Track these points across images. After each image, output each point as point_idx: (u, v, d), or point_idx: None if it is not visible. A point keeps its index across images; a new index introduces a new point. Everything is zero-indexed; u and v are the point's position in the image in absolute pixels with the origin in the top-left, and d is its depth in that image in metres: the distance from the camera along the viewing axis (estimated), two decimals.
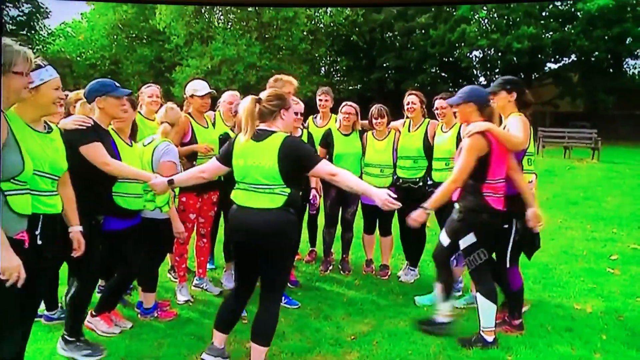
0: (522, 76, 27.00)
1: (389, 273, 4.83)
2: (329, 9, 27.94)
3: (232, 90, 4.77)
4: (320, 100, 5.11)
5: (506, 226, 3.46)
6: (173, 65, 24.84)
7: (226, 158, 2.87)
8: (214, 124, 4.31)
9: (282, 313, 3.15)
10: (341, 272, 4.86)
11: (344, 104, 4.78)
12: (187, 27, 24.31)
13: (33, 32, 30.16)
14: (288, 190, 2.70)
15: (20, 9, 29.67)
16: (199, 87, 4.15)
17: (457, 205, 3.37)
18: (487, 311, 3.33)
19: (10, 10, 29.31)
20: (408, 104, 4.54)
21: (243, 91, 24.17)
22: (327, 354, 3.26)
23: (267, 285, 2.84)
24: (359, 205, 4.81)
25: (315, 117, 5.25)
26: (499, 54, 25.55)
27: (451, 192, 3.31)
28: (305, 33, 26.37)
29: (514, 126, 3.35)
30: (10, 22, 29.55)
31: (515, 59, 23.78)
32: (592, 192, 9.72)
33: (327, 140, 4.73)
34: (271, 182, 2.69)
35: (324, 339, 3.48)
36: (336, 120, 4.91)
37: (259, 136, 2.76)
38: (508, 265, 3.54)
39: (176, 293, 4.12)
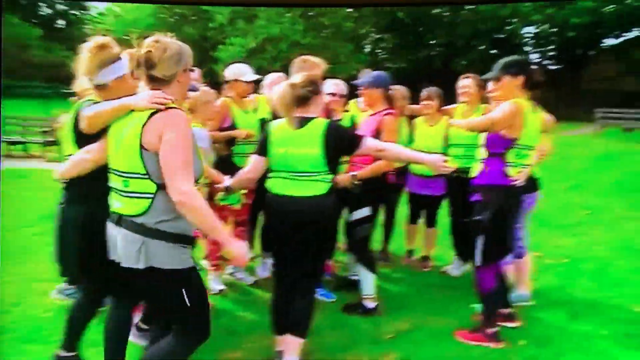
0: (581, 53, 25.62)
1: (431, 265, 4.58)
2: None
3: (275, 73, 4.55)
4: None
5: (479, 218, 3.09)
6: (217, 44, 24.89)
7: (264, 149, 2.75)
8: (255, 109, 4.09)
9: (317, 307, 2.96)
10: (380, 262, 4.62)
11: (390, 87, 4.44)
12: (231, 6, 24.22)
13: (83, 11, 30.95)
14: (331, 176, 2.67)
15: None
16: (244, 72, 3.94)
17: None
18: (366, 280, 3.56)
19: None
20: (462, 88, 4.14)
21: (287, 70, 24.28)
22: (364, 354, 3.06)
23: (307, 273, 2.77)
24: (401, 194, 4.55)
25: (359, 100, 4.94)
26: (555, 29, 24.16)
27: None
28: (349, 10, 25.80)
29: (496, 111, 3.05)
30: (62, 1, 30.35)
31: (573, 34, 22.36)
32: None
33: None
34: (315, 169, 2.63)
35: (360, 336, 3.28)
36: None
37: (298, 123, 2.67)
38: (478, 263, 3.15)
39: (209, 282, 4.00)
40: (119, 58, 2.25)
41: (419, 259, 4.66)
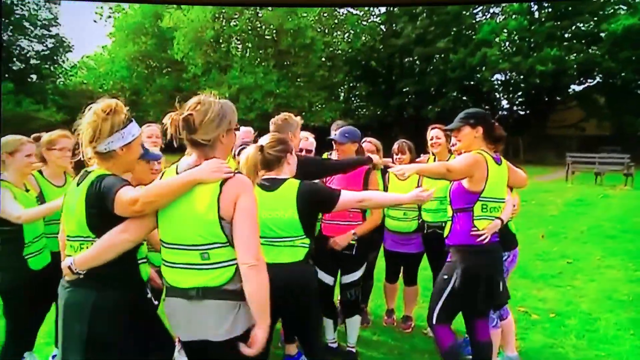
0: (546, 99, 26.47)
1: (412, 325, 4.33)
2: (345, 35, 27.96)
3: (243, 127, 4.40)
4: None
5: (445, 277, 2.96)
6: (191, 95, 24.75)
7: None
8: None
9: None
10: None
11: (363, 140, 4.29)
12: (205, 57, 24.49)
13: (56, 65, 30.85)
14: (308, 241, 2.58)
15: (44, 44, 30.42)
16: None
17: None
18: (356, 326, 3.72)
19: (35, 45, 30.07)
20: (432, 138, 4.02)
21: (260, 119, 24.36)
22: None
23: (305, 345, 2.71)
24: (381, 250, 4.34)
25: (331, 154, 4.79)
26: (522, 77, 25.01)
27: None
28: (322, 60, 26.34)
29: (456, 160, 2.97)
30: (35, 56, 30.27)
31: (538, 81, 23.15)
32: (629, 223, 9.02)
33: None
34: (290, 234, 2.53)
35: None
36: None
37: (269, 186, 2.58)
38: (433, 322, 2.99)
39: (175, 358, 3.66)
40: (130, 121, 2.06)
41: (400, 319, 4.41)
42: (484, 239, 2.88)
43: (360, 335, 4.16)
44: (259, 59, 25.69)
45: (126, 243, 1.97)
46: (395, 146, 4.18)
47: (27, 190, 3.06)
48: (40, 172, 3.25)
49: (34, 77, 30.12)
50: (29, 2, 28.93)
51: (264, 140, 2.63)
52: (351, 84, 30.50)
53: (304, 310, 2.61)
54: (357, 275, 3.51)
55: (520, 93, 27.81)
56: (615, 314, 4.60)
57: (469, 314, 3.03)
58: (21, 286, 2.95)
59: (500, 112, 29.97)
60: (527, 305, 4.78)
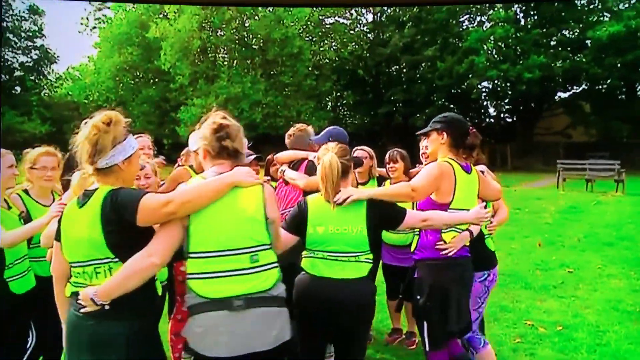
0: (533, 106, 26.63)
1: (417, 341, 4.12)
2: (333, 44, 27.97)
3: None
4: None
5: (418, 297, 2.78)
6: (178, 105, 24.70)
7: (297, 226, 2.45)
8: None
9: None
10: None
11: (355, 148, 4.10)
12: (192, 67, 24.30)
13: (41, 77, 30.49)
14: (371, 256, 2.45)
15: (29, 56, 30.08)
16: None
17: None
18: None
19: (19, 57, 29.72)
20: (424, 148, 3.84)
21: (248, 129, 24.17)
22: None
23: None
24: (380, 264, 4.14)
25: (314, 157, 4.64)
26: (509, 84, 25.14)
27: None
28: (310, 69, 26.29)
29: (421, 172, 2.75)
30: (19, 68, 29.89)
31: (525, 88, 23.27)
32: (625, 230, 8.96)
33: None
34: (357, 249, 2.40)
35: None
36: None
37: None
38: (427, 349, 2.76)
39: None
40: (129, 133, 1.97)
41: (404, 335, 4.22)
42: (450, 253, 2.70)
43: None
44: (246, 69, 25.54)
45: (153, 268, 1.84)
46: (388, 155, 3.99)
47: (9, 208, 2.84)
48: (25, 191, 3.04)
49: (18, 89, 29.74)
50: (13, 15, 28.63)
51: (331, 149, 2.48)
52: (339, 93, 30.48)
53: (362, 328, 2.51)
54: None
55: (507, 100, 27.95)
56: (624, 326, 4.46)
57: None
58: (2, 310, 2.70)
59: (487, 120, 30.16)
60: (533, 318, 4.63)
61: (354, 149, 4.08)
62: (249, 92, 23.61)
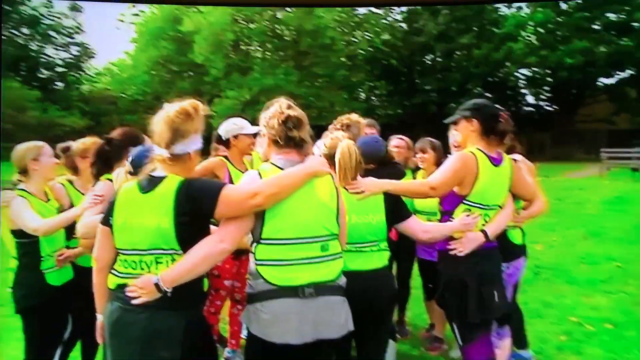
0: (575, 92, 25.70)
1: (442, 348, 3.86)
2: (366, 34, 27.64)
3: None
4: (366, 134, 4.34)
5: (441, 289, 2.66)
6: (212, 98, 24.92)
7: None
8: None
9: None
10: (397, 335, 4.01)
11: (392, 137, 3.97)
12: (225, 59, 24.43)
13: (81, 72, 31.37)
14: (386, 243, 2.43)
15: (69, 52, 30.99)
16: (245, 124, 3.45)
17: None
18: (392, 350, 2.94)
19: (60, 53, 30.67)
20: (453, 137, 3.46)
21: None
22: None
23: (375, 354, 2.46)
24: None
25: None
26: (549, 71, 24.31)
27: None
28: (343, 59, 26.06)
29: (443, 165, 2.60)
30: (61, 64, 30.81)
31: (566, 75, 22.44)
32: None
33: None
34: (377, 237, 2.38)
35: None
36: None
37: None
38: (460, 343, 2.62)
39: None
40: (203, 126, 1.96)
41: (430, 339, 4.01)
42: (460, 253, 2.55)
43: (398, 349, 3.87)
44: (279, 60, 25.53)
45: (224, 253, 1.84)
46: (418, 144, 3.85)
47: (48, 200, 2.85)
48: (70, 182, 3.06)
49: (60, 84, 30.66)
50: (55, 12, 29.51)
51: (342, 136, 2.44)
52: (372, 83, 30.12)
53: (387, 317, 2.48)
54: None
55: (546, 88, 27.05)
56: None
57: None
58: (40, 302, 2.73)
59: (525, 108, 29.30)
60: (579, 315, 4.43)
61: (390, 137, 3.95)
62: (281, 83, 23.60)
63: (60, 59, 30.92)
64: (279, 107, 2.04)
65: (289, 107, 2.05)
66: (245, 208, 1.83)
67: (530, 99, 28.95)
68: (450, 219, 2.59)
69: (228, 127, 3.45)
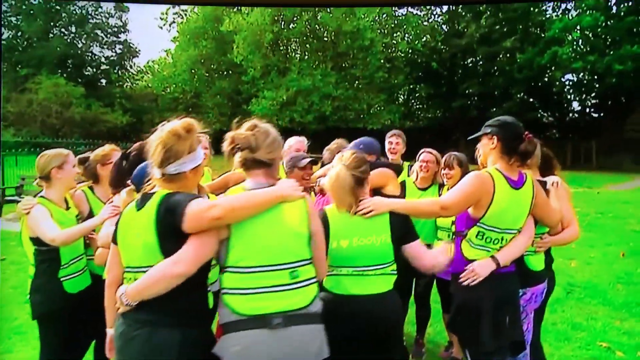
0: (624, 100, 24.62)
1: (451, 352, 3.75)
2: (406, 36, 27.33)
3: (298, 136, 4.11)
4: (390, 143, 4.17)
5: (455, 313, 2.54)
6: (250, 97, 25.18)
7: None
8: None
9: None
10: (410, 357, 3.87)
11: (422, 150, 3.81)
12: (264, 59, 24.64)
13: (124, 70, 32.34)
14: (395, 266, 2.29)
15: (113, 50, 31.98)
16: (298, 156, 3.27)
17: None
18: None
19: (105, 51, 31.70)
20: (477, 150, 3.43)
21: (318, 122, 24.21)
22: None
23: None
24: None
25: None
26: (596, 77, 23.37)
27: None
28: (382, 61, 25.83)
29: (458, 185, 2.45)
30: (105, 62, 31.84)
31: (615, 81, 21.49)
32: None
33: (400, 195, 3.65)
34: (382, 261, 2.25)
35: None
36: (409, 169, 4.05)
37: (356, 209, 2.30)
38: None
39: None
40: (199, 142, 1.95)
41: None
42: (471, 282, 2.40)
43: None
44: (317, 61, 25.55)
45: (179, 277, 1.76)
46: (444, 159, 3.62)
47: (68, 208, 2.86)
48: (91, 188, 3.07)
49: (104, 81, 31.70)
50: (101, 12, 30.52)
51: (347, 158, 2.31)
52: (411, 86, 29.75)
53: (394, 343, 2.33)
54: None
55: (593, 94, 26.02)
56: None
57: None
58: (58, 308, 2.74)
59: (571, 115, 28.29)
60: (609, 340, 4.14)
61: (421, 151, 3.81)
62: (319, 84, 23.62)
63: (105, 57, 31.98)
64: (233, 131, 1.98)
65: (254, 126, 1.98)
66: (204, 220, 1.76)
67: (575, 105, 27.99)
68: (464, 240, 2.45)
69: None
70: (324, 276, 2.01)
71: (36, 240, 2.70)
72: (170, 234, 1.78)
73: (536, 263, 2.76)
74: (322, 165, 4.09)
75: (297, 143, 3.99)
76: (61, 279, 2.75)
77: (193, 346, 1.82)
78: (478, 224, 2.41)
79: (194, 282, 1.78)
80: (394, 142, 4.17)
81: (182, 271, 1.75)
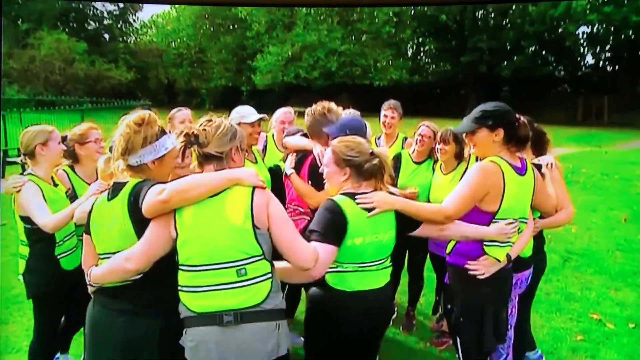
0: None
1: (449, 343, 3.63)
2: None
3: (285, 107, 4.02)
4: (385, 116, 4.06)
5: (449, 307, 2.53)
6: (255, 53, 24.75)
7: (339, 236, 2.11)
8: (264, 157, 3.50)
9: None
10: (400, 329, 3.91)
11: (421, 124, 3.67)
12: (268, 14, 24.06)
13: (127, 24, 31.76)
14: (390, 258, 2.28)
15: (116, 4, 31.32)
16: (246, 113, 3.25)
17: None
18: None
19: (107, 5, 31.04)
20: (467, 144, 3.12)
21: (324, 78, 23.85)
22: None
23: None
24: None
25: (379, 138, 4.21)
26: (612, 29, 22.60)
27: None
28: (389, 15, 25.11)
29: (463, 180, 2.34)
30: (107, 16, 31.24)
31: (632, 33, 20.79)
32: None
33: (394, 167, 3.53)
34: (385, 255, 2.23)
35: None
36: (403, 142, 3.94)
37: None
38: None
39: None
40: (163, 134, 1.99)
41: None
42: (480, 276, 2.34)
43: (402, 341, 3.77)
44: (323, 16, 24.89)
45: (128, 272, 1.84)
46: (440, 134, 3.46)
47: (56, 185, 2.84)
48: (71, 167, 3.02)
49: (107, 36, 31.21)
50: None
51: (340, 146, 2.26)
52: (419, 40, 29.01)
53: (379, 335, 2.39)
54: None
55: (608, 47, 25.27)
56: None
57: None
58: (53, 288, 2.77)
59: (583, 69, 27.60)
60: (602, 311, 4.15)
61: (419, 124, 3.69)
62: (325, 40, 23.14)
63: (107, 12, 31.36)
64: (197, 125, 2.00)
65: (207, 121, 1.97)
66: (155, 205, 1.79)
67: (589, 58, 27.26)
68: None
69: (231, 116, 3.29)
70: (308, 264, 1.88)
71: (27, 219, 2.68)
72: (141, 220, 1.83)
73: (526, 250, 2.73)
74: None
75: (282, 115, 3.89)
76: (58, 257, 2.76)
77: (174, 335, 1.86)
78: (494, 221, 2.31)
79: (175, 271, 1.83)
80: (389, 116, 4.05)
81: (132, 268, 1.81)
